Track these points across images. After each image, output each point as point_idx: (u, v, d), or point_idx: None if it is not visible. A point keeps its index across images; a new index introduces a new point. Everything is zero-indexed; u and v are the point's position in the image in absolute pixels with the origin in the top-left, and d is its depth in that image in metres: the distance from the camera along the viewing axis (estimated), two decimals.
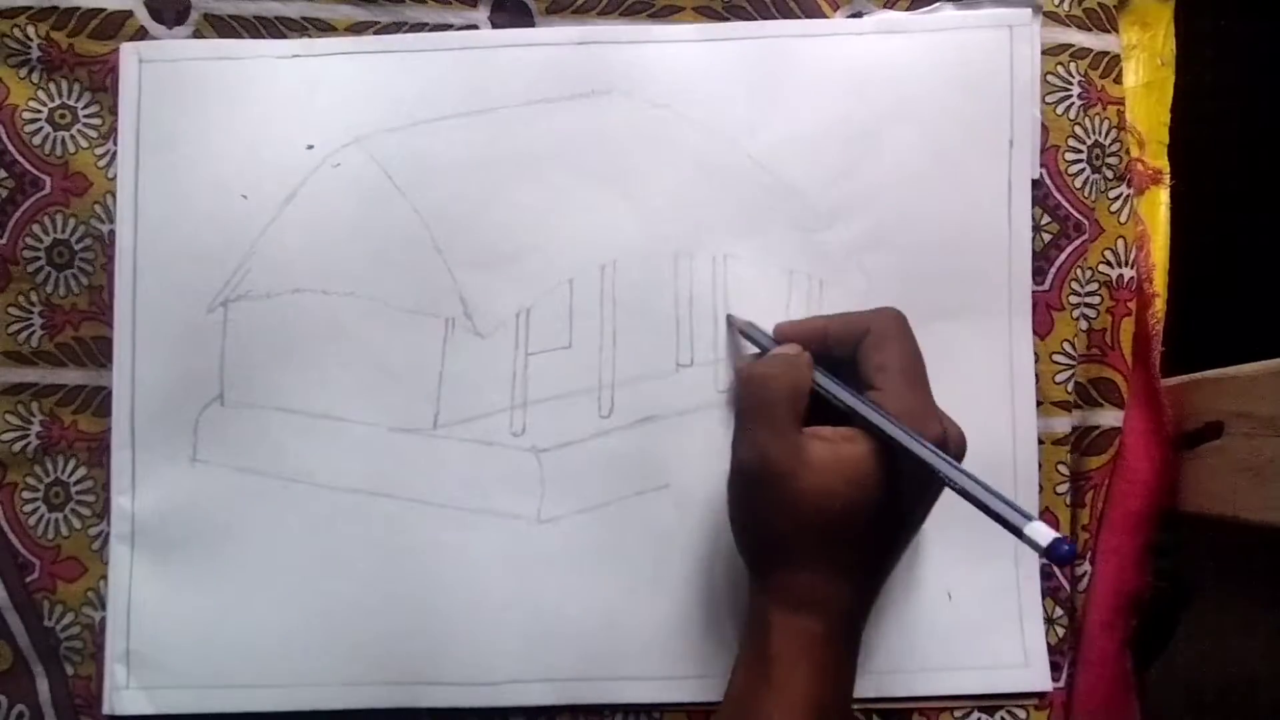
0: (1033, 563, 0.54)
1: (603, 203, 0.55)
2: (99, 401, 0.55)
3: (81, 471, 0.56)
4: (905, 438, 0.45)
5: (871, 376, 0.47)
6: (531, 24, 0.56)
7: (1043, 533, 0.40)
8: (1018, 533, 0.41)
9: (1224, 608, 0.57)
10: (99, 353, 0.56)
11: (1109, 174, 0.56)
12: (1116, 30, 0.57)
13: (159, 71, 0.55)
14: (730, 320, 0.54)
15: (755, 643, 0.47)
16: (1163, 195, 0.58)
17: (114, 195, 0.55)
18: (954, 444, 0.47)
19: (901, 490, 0.46)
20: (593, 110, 0.55)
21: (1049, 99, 0.56)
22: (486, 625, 0.54)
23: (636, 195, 0.55)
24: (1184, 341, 0.57)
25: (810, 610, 0.46)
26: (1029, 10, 0.55)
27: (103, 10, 0.56)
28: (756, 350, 0.53)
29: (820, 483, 0.45)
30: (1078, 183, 0.56)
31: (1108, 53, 0.56)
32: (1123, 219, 0.56)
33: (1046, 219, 0.55)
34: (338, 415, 0.54)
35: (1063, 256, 0.55)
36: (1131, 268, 0.56)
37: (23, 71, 0.56)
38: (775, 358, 0.50)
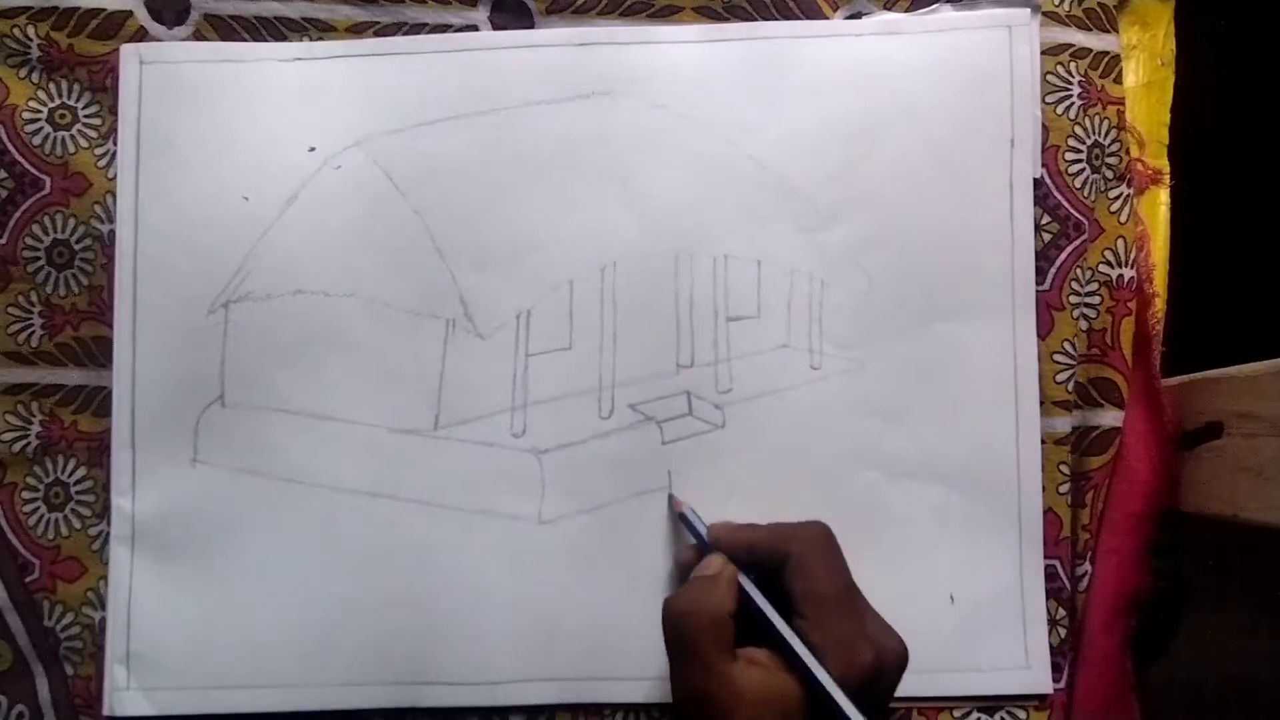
0: (1038, 565, 0.54)
1: (603, 203, 0.55)
2: (99, 401, 0.55)
3: (81, 471, 0.56)
4: (821, 678, 0.44)
5: (797, 604, 0.46)
6: (531, 25, 0.56)
7: None
8: None
9: (1224, 608, 0.57)
10: (99, 353, 0.56)
11: (1109, 174, 0.56)
12: (1116, 30, 0.57)
13: (160, 73, 0.55)
14: (671, 501, 0.54)
15: None
16: (1163, 195, 0.58)
17: (114, 195, 0.55)
18: (892, 661, 0.46)
19: None
20: (593, 111, 0.55)
21: (1049, 99, 0.56)
22: (487, 625, 0.54)
23: (637, 196, 0.55)
24: (1184, 341, 0.57)
25: None
26: (1028, 10, 0.55)
27: (103, 10, 0.56)
28: (692, 542, 0.52)
29: (753, 714, 0.44)
30: (1078, 183, 0.56)
31: (1108, 53, 0.56)
32: (1123, 219, 0.56)
33: (1046, 219, 0.55)
34: (338, 416, 0.54)
35: (1063, 256, 0.55)
36: (1131, 268, 0.56)
37: (23, 71, 0.56)
38: (694, 584, 0.49)
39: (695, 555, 0.51)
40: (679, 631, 0.47)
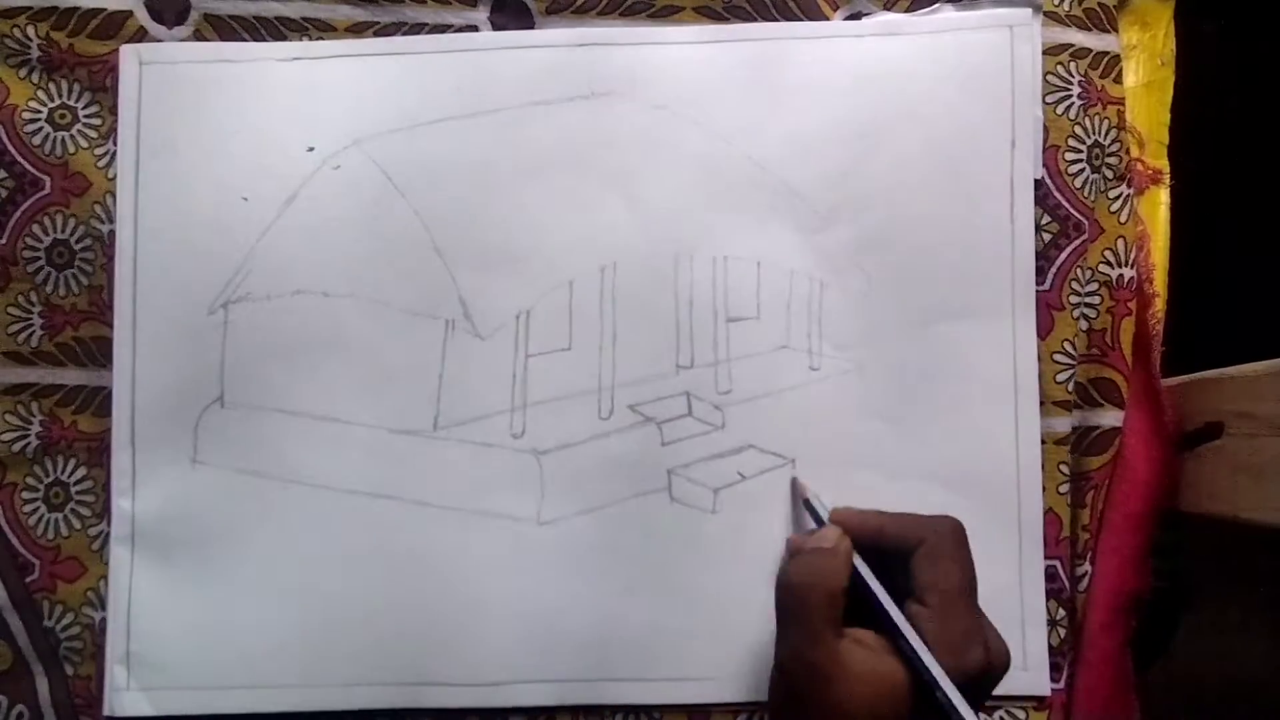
0: (1038, 567, 0.54)
1: (603, 204, 0.55)
2: (99, 401, 0.55)
3: (81, 472, 0.56)
4: (935, 671, 0.44)
5: (920, 592, 0.47)
6: (531, 25, 0.56)
7: None
8: None
9: (1224, 608, 0.57)
10: (99, 353, 0.56)
11: (1109, 174, 0.56)
12: (1116, 30, 0.57)
13: (159, 73, 0.55)
14: (794, 485, 0.54)
15: None
16: (1163, 195, 0.58)
17: (114, 195, 0.55)
18: (998, 666, 0.47)
19: (933, 715, 0.45)
20: (593, 112, 0.55)
21: (1049, 99, 0.56)
22: (486, 626, 0.54)
23: (636, 196, 0.55)
24: (1184, 341, 0.57)
25: None
26: (1029, 10, 0.55)
27: (103, 10, 0.56)
28: (812, 526, 0.52)
29: (857, 692, 0.45)
30: (1078, 183, 0.56)
31: (1108, 53, 0.56)
32: (1123, 219, 0.56)
33: (1046, 219, 0.55)
34: (338, 417, 0.54)
35: (1063, 256, 0.55)
36: (1131, 268, 0.56)
37: (23, 71, 0.56)
38: (812, 556, 0.48)
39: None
40: (793, 599, 0.47)
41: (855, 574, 0.48)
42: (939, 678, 0.44)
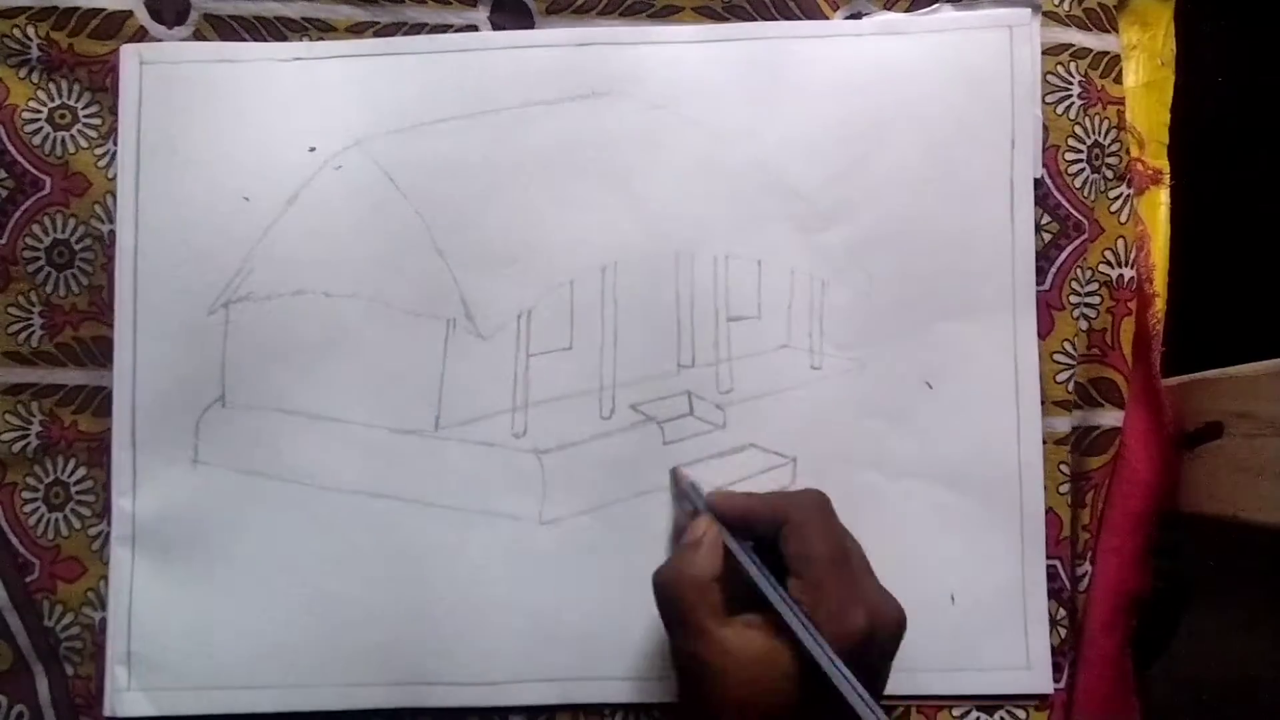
0: (1039, 566, 0.54)
1: (603, 204, 0.55)
2: (99, 401, 0.55)
3: (81, 471, 0.56)
4: (806, 639, 0.44)
5: (792, 565, 0.46)
6: (531, 25, 0.56)
7: None
8: None
9: (1224, 608, 0.57)
10: (99, 353, 0.55)
11: (1109, 174, 0.56)
12: (1116, 30, 0.57)
13: (160, 73, 0.55)
14: (674, 474, 0.54)
15: None
16: (1163, 195, 0.58)
17: (114, 195, 0.55)
18: (888, 627, 0.46)
19: (824, 685, 0.44)
20: (593, 111, 0.55)
21: (1049, 99, 0.56)
22: (487, 625, 0.54)
23: (637, 196, 0.55)
24: (1184, 341, 0.57)
25: None
26: (1029, 10, 0.55)
27: (103, 10, 0.56)
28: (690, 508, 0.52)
29: (745, 677, 0.44)
30: (1078, 182, 0.56)
31: (1108, 53, 0.56)
32: (1123, 219, 0.56)
33: (1046, 219, 0.55)
34: (339, 417, 0.54)
35: (1063, 256, 0.55)
36: (1131, 268, 0.56)
37: (23, 71, 0.56)
38: (679, 551, 0.49)
39: (689, 520, 0.52)
40: (666, 599, 0.47)
41: (738, 559, 0.48)
42: (810, 644, 0.44)
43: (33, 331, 0.56)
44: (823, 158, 0.55)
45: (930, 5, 0.56)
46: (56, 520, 0.55)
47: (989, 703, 0.54)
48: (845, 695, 0.43)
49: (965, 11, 0.55)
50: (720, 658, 0.45)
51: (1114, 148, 0.56)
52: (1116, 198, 0.56)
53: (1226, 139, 0.63)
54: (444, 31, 0.56)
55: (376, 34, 0.56)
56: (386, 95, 0.55)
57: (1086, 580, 0.55)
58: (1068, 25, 0.56)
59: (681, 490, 0.53)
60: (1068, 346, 0.55)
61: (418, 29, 0.56)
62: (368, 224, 0.55)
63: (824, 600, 0.45)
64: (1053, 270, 0.55)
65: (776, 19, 0.56)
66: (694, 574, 0.47)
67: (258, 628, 0.54)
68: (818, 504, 0.49)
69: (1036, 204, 0.55)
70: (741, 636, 0.45)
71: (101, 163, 0.56)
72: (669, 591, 0.47)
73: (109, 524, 0.55)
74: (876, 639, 0.46)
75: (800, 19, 0.56)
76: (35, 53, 0.56)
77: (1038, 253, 0.55)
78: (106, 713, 0.54)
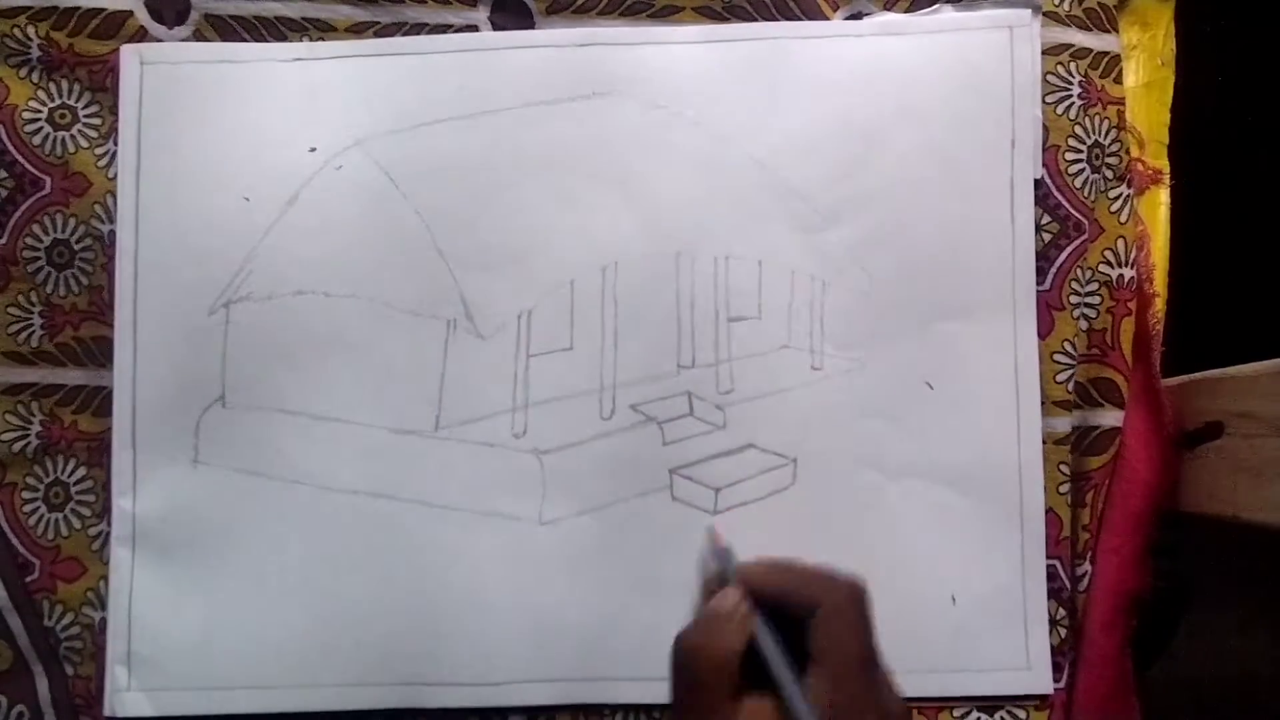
0: (1039, 567, 0.54)
1: (604, 204, 0.55)
2: (99, 401, 0.55)
3: (81, 471, 0.56)
4: None
5: (817, 656, 0.45)
6: (531, 25, 0.56)
7: None
8: None
9: (1224, 608, 0.57)
10: (99, 353, 0.55)
11: (1109, 174, 0.56)
12: (1116, 30, 0.57)
13: (160, 74, 0.55)
14: (709, 533, 0.51)
15: None
16: (1163, 195, 0.58)
17: (114, 195, 0.55)
18: None
19: None
20: (593, 112, 0.55)
21: (1049, 99, 0.56)
22: (487, 626, 0.54)
23: (637, 196, 0.55)
24: (1184, 341, 0.57)
25: None
26: (1029, 11, 0.55)
27: (103, 10, 0.56)
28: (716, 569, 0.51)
29: None
30: (1078, 183, 0.56)
31: (1108, 53, 0.56)
32: (1123, 219, 0.56)
33: (1046, 219, 0.55)
34: (339, 417, 0.54)
35: (1063, 256, 0.55)
36: (1131, 268, 0.56)
37: (23, 71, 0.56)
38: (708, 620, 0.47)
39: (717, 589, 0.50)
40: (685, 667, 0.46)
41: (759, 642, 0.46)
42: None
43: (33, 331, 0.56)
44: (823, 158, 0.55)
45: (930, 6, 0.56)
46: (56, 520, 0.55)
47: (989, 703, 0.54)
48: None
49: (965, 12, 0.55)
50: None
51: (1114, 148, 0.56)
52: (1116, 198, 0.56)
53: (1226, 139, 0.63)
54: (444, 31, 0.56)
55: (376, 34, 0.56)
56: (387, 95, 0.55)
57: (1086, 580, 0.55)
58: (1068, 25, 0.56)
59: (715, 551, 0.52)
60: (1068, 346, 0.55)
61: (418, 29, 0.56)
62: (368, 224, 0.55)
63: (841, 699, 0.44)
64: (1053, 270, 0.55)
65: (776, 19, 0.56)
66: (720, 650, 0.45)
67: (257, 628, 0.54)
68: (855, 597, 0.47)
69: (1036, 204, 0.55)
70: (756, 716, 0.44)
71: (101, 163, 0.56)
72: (691, 659, 0.45)
73: (109, 524, 0.55)
74: None
75: (800, 19, 0.56)
76: (35, 53, 0.56)
77: (1038, 253, 0.55)
78: (106, 713, 0.54)
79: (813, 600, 0.46)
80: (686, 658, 0.46)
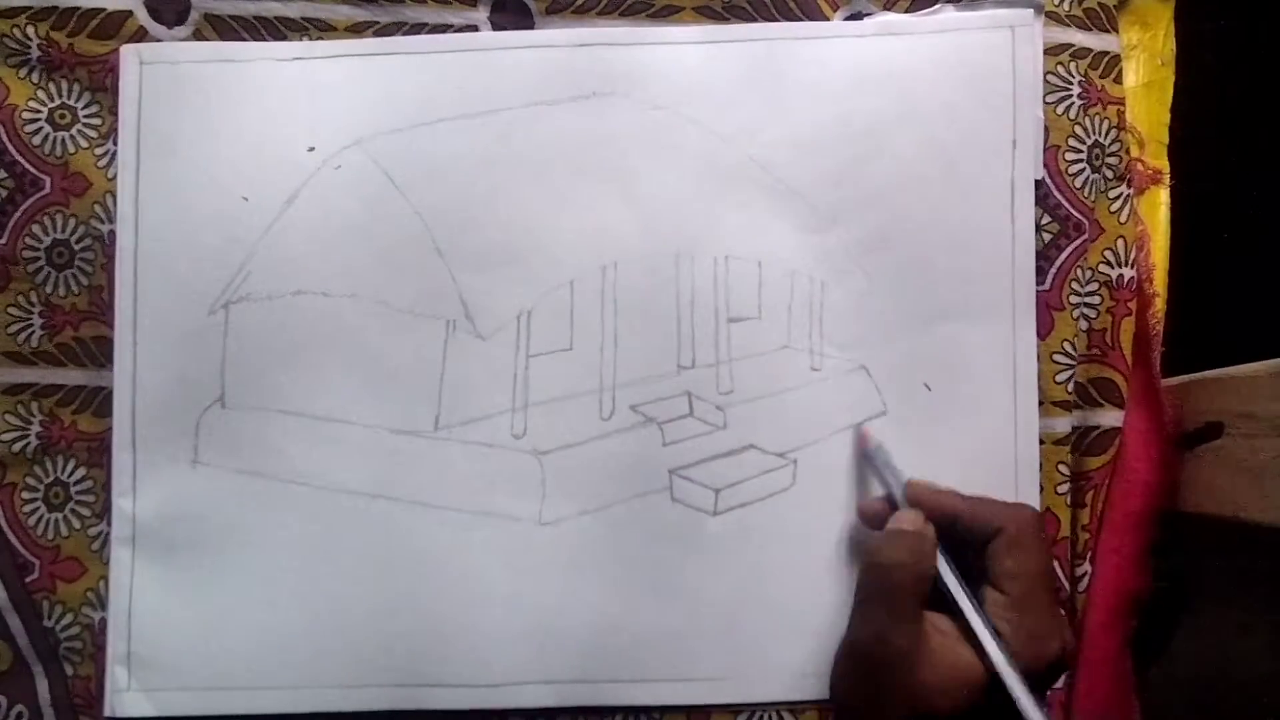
0: None
1: (603, 204, 0.55)
2: (99, 401, 0.55)
3: (81, 472, 0.56)
4: (1002, 668, 0.45)
5: (999, 581, 0.46)
6: (531, 25, 0.56)
7: None
8: None
9: (1224, 608, 0.57)
10: (99, 353, 0.55)
11: (1109, 174, 0.56)
12: (1116, 30, 0.57)
13: (160, 73, 0.55)
14: (860, 435, 0.54)
15: None
16: (1163, 195, 0.58)
17: (114, 195, 0.55)
18: (1071, 658, 0.48)
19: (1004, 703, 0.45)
20: (593, 112, 0.55)
21: (1049, 99, 0.56)
22: (487, 627, 0.54)
23: (637, 197, 0.55)
24: (1184, 341, 0.57)
25: None
26: (1030, 11, 0.55)
27: (102, 10, 0.56)
28: (878, 483, 0.53)
29: (937, 679, 0.45)
30: (1078, 183, 0.56)
31: (1108, 53, 0.56)
32: (1123, 219, 0.56)
33: (1046, 219, 0.55)
34: (339, 417, 0.54)
35: (1063, 256, 0.55)
36: (1131, 268, 0.56)
37: (23, 71, 0.56)
38: (901, 539, 0.48)
39: (884, 508, 0.51)
40: (884, 579, 0.47)
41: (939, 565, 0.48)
42: (1006, 675, 0.44)
43: (33, 331, 0.56)
44: (823, 158, 0.55)
45: (931, 5, 0.56)
46: (56, 520, 0.55)
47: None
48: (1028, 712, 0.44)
49: (966, 12, 0.55)
50: (918, 653, 0.45)
51: (1114, 148, 0.56)
52: (1116, 198, 0.56)
53: (1226, 139, 0.63)
54: (444, 31, 0.56)
55: (376, 34, 0.56)
56: (386, 95, 0.55)
57: (1086, 580, 0.55)
58: (1068, 25, 0.56)
59: (867, 454, 0.53)
60: (1068, 346, 0.55)
61: (418, 29, 0.56)
62: (368, 224, 0.55)
63: (1026, 623, 0.45)
64: (1053, 270, 0.55)
65: (777, 19, 0.56)
66: (919, 564, 0.47)
67: (257, 628, 0.54)
68: (1036, 521, 0.48)
69: (1036, 204, 0.55)
70: (934, 638, 0.46)
71: (101, 163, 0.56)
72: (891, 574, 0.47)
73: (109, 524, 0.55)
74: (1057, 670, 0.46)
75: (800, 19, 0.56)
76: (35, 53, 0.56)
77: (1038, 253, 0.55)
78: (106, 713, 0.54)
79: (994, 523, 0.47)
80: (887, 572, 0.47)
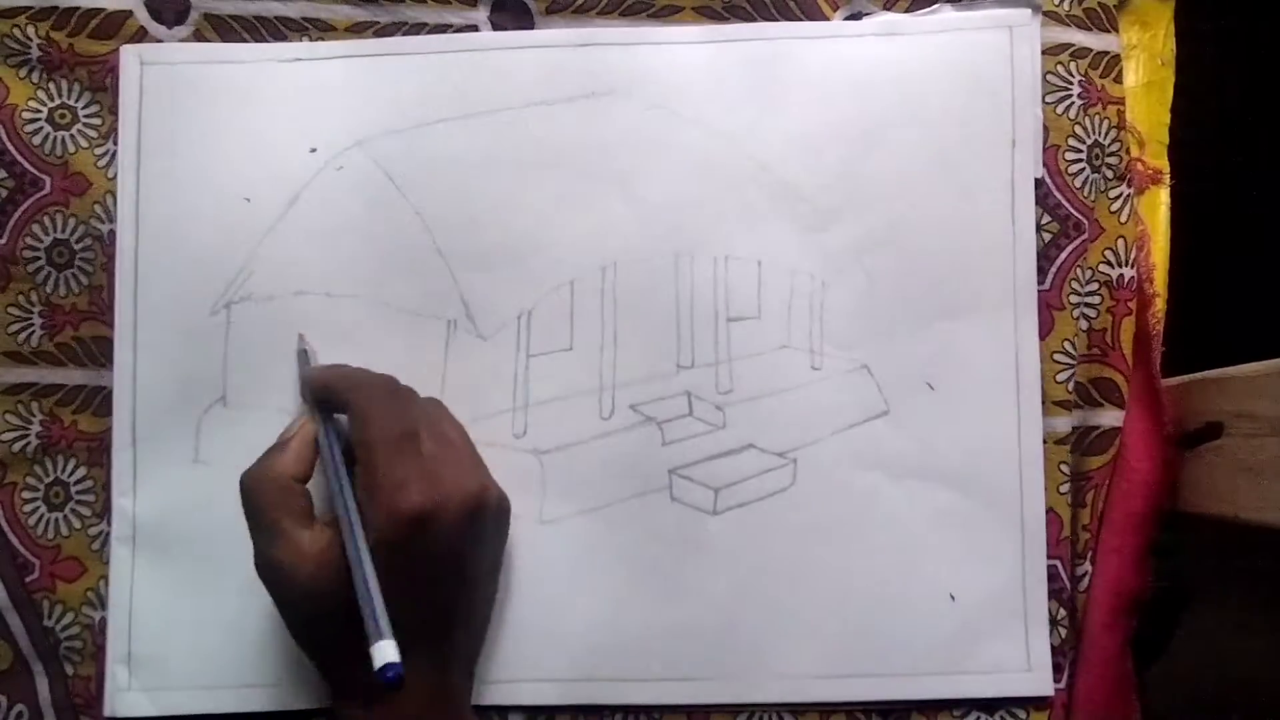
0: (1040, 567, 0.54)
1: (603, 204, 0.55)
2: (99, 401, 0.55)
3: (81, 471, 0.56)
4: (344, 523, 0.44)
5: (355, 449, 0.47)
6: (531, 24, 0.56)
7: (382, 654, 0.41)
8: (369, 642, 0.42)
9: (1224, 608, 0.57)
10: (99, 353, 0.55)
11: (1109, 174, 0.56)
12: (1116, 30, 0.57)
13: (160, 74, 0.55)
14: (300, 339, 0.54)
15: None
16: (1163, 195, 0.58)
17: (114, 195, 0.55)
18: (456, 502, 0.46)
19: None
20: (593, 112, 0.55)
21: (1049, 99, 0.56)
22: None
23: (637, 196, 0.55)
24: (1184, 341, 0.57)
25: (362, 697, 0.46)
26: (1029, 10, 0.55)
27: (102, 10, 0.56)
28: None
29: (307, 573, 0.45)
30: (1078, 182, 0.56)
31: (1108, 53, 0.56)
32: (1123, 219, 0.56)
33: (1047, 218, 0.55)
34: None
35: (1063, 256, 0.55)
36: (1132, 268, 0.56)
37: (23, 71, 0.56)
38: (267, 451, 0.49)
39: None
40: (245, 501, 0.47)
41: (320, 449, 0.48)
42: (345, 529, 0.44)
43: (33, 331, 0.56)
44: (823, 158, 0.55)
45: (930, 5, 0.56)
46: (56, 520, 0.55)
47: (989, 704, 0.54)
48: (358, 591, 0.43)
49: (965, 12, 0.55)
50: (291, 558, 0.45)
51: (1114, 148, 0.56)
52: (1116, 198, 0.56)
53: (1226, 139, 0.64)
54: (444, 31, 0.56)
55: (376, 34, 0.56)
56: (387, 95, 0.55)
57: (1086, 580, 0.55)
58: (1068, 25, 0.56)
59: (298, 354, 0.53)
60: (1068, 346, 0.55)
61: (418, 29, 0.56)
62: (369, 225, 0.55)
63: (378, 484, 0.45)
64: (1053, 270, 0.55)
65: (776, 19, 0.56)
66: (277, 474, 0.47)
67: (258, 627, 0.54)
68: (383, 387, 0.48)
69: (1036, 204, 0.55)
70: (316, 537, 0.45)
71: (101, 163, 0.56)
72: (249, 494, 0.47)
73: (109, 524, 0.55)
74: (442, 515, 0.45)
75: (800, 19, 0.56)
76: (35, 53, 0.56)
77: (1038, 252, 0.55)
78: (106, 713, 0.54)
79: (345, 396, 0.48)
80: (246, 490, 0.47)
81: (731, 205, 0.55)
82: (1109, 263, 0.56)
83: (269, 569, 0.46)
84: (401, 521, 0.44)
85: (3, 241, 0.55)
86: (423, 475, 0.46)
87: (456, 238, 0.55)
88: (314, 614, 0.46)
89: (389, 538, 0.44)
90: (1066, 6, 0.56)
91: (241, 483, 0.48)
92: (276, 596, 0.47)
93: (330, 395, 0.49)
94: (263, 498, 0.47)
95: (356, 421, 0.47)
